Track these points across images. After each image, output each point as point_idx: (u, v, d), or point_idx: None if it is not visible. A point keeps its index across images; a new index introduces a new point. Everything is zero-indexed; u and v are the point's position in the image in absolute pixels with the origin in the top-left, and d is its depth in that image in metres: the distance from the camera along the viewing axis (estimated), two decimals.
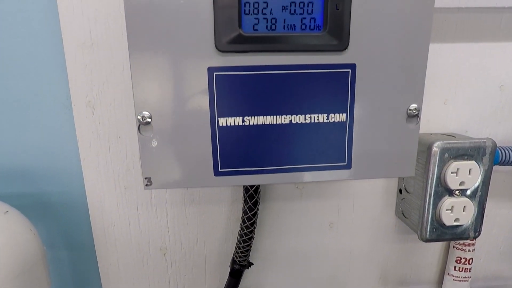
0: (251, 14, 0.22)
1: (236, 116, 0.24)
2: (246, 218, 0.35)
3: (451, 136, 0.36)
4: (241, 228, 0.36)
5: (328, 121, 0.25)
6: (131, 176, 0.38)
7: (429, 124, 0.39)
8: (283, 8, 0.22)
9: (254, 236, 0.37)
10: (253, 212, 0.35)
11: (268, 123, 0.24)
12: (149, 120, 0.24)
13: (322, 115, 0.24)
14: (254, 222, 0.36)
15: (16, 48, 0.34)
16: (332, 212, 0.41)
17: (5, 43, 0.34)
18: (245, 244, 0.37)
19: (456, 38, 0.36)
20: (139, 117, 0.23)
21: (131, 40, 0.22)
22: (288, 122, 0.24)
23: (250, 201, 0.34)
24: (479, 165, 0.33)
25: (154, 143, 0.24)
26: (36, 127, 0.36)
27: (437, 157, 0.33)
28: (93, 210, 0.39)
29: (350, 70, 0.24)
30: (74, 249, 0.41)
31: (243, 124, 0.24)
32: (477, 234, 0.36)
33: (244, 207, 0.35)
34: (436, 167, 0.33)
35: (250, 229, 0.36)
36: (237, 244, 0.37)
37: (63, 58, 0.34)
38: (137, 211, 0.39)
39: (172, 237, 0.40)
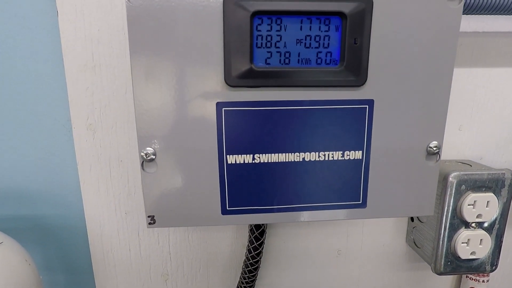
0: (264, 48, 0.21)
1: (246, 153, 0.22)
2: (252, 248, 0.34)
3: (467, 164, 0.35)
4: (247, 258, 0.35)
5: (343, 158, 0.23)
6: (132, 201, 0.36)
7: (443, 149, 0.37)
8: (297, 41, 0.21)
9: (260, 266, 0.36)
10: (259, 242, 0.33)
11: (279, 160, 0.23)
12: (153, 157, 0.22)
13: (337, 152, 0.23)
14: (260, 252, 0.34)
15: (17, 68, 0.33)
16: (340, 239, 0.39)
17: (6, 63, 0.32)
18: (251, 274, 0.35)
19: (472, 63, 0.34)
20: (142, 153, 0.22)
21: (136, 74, 0.21)
22: (301, 159, 0.23)
23: (256, 231, 0.33)
24: (497, 198, 0.32)
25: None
26: (35, 148, 0.35)
27: (454, 189, 0.31)
28: (92, 235, 0.37)
29: (367, 106, 0.22)
30: (72, 273, 0.40)
31: (253, 161, 0.23)
32: (494, 268, 0.34)
33: (250, 236, 0.34)
34: (452, 198, 0.32)
35: (256, 259, 0.34)
36: (242, 273, 0.36)
37: (64, 79, 0.33)
38: (138, 236, 0.38)
39: (174, 263, 0.39)
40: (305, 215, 0.24)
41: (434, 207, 0.25)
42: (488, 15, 0.31)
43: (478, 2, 0.26)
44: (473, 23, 0.33)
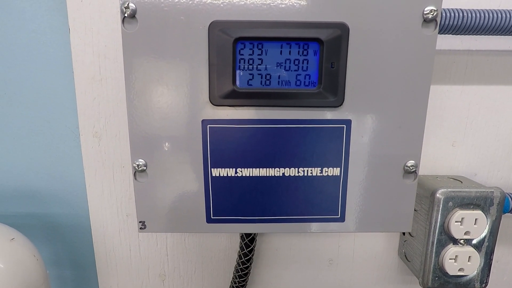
0: (246, 70, 0.23)
1: (229, 167, 0.24)
2: (242, 254, 0.35)
3: (458, 180, 0.35)
4: (237, 263, 0.36)
5: (321, 174, 0.24)
6: (133, 204, 0.39)
7: (435, 164, 0.37)
8: (278, 64, 0.22)
9: (251, 272, 0.37)
10: (249, 248, 0.35)
11: (261, 175, 0.24)
12: (144, 168, 0.24)
13: (316, 168, 0.24)
14: (250, 259, 0.36)
15: (32, 79, 0.36)
16: (331, 249, 0.40)
17: (22, 75, 0.36)
18: (241, 279, 0.37)
19: (466, 81, 0.35)
20: (134, 164, 0.24)
21: (129, 92, 0.23)
22: (281, 174, 0.24)
23: (246, 238, 0.34)
24: (486, 215, 0.32)
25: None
26: (46, 152, 0.38)
27: (441, 205, 0.32)
28: (96, 234, 0.40)
29: (345, 125, 0.23)
30: (77, 269, 0.42)
31: (236, 175, 0.24)
32: (483, 285, 0.34)
33: (241, 243, 0.35)
34: (440, 215, 0.32)
35: (246, 265, 0.36)
36: (233, 278, 0.37)
37: (73, 90, 0.36)
38: (138, 238, 0.40)
39: (171, 264, 0.41)
40: (285, 227, 0.25)
41: (411, 224, 0.25)
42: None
43: (461, 23, 0.27)
44: (466, 42, 0.34)
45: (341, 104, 0.23)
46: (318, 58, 0.22)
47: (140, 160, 0.24)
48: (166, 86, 0.23)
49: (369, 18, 0.22)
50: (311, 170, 0.24)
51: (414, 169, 0.24)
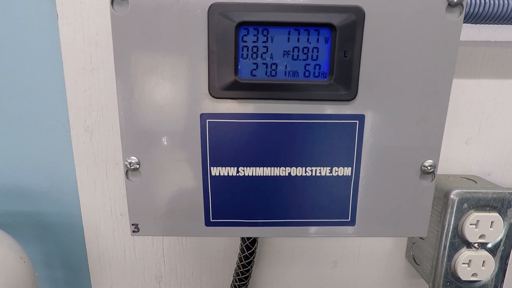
0: (249, 59, 0.20)
1: (230, 166, 0.22)
2: (243, 256, 0.33)
3: (472, 180, 0.33)
4: (238, 266, 0.34)
5: (331, 174, 0.22)
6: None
7: (448, 163, 0.35)
8: (285, 53, 0.20)
9: (252, 274, 0.35)
10: (250, 251, 0.33)
11: (264, 174, 0.22)
12: (137, 166, 0.22)
13: (325, 168, 0.22)
14: (252, 261, 0.34)
15: (19, 68, 0.33)
16: (336, 251, 0.38)
17: (8, 65, 0.33)
18: (241, 282, 0.35)
19: (482, 74, 0.33)
20: (126, 162, 0.22)
21: (120, 83, 0.21)
22: (287, 174, 0.22)
23: (247, 240, 0.32)
24: (502, 218, 0.30)
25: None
26: (35, 147, 0.36)
27: (455, 207, 0.30)
28: (88, 235, 0.38)
29: (358, 121, 0.21)
30: (69, 270, 0.40)
31: (238, 174, 0.22)
32: None
33: (241, 245, 0.33)
34: (453, 217, 0.30)
35: (247, 268, 0.34)
36: (233, 281, 0.35)
37: (63, 81, 0.33)
38: (133, 238, 0.38)
39: (167, 266, 0.39)
40: (291, 231, 0.23)
41: (427, 229, 0.23)
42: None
43: (482, 11, 0.25)
44: (484, 32, 0.32)
45: (354, 98, 0.21)
46: (330, 46, 0.20)
47: (132, 157, 0.22)
48: (160, 76, 0.21)
49: (387, 1, 0.19)
50: (320, 169, 0.22)
51: (432, 170, 0.22)
